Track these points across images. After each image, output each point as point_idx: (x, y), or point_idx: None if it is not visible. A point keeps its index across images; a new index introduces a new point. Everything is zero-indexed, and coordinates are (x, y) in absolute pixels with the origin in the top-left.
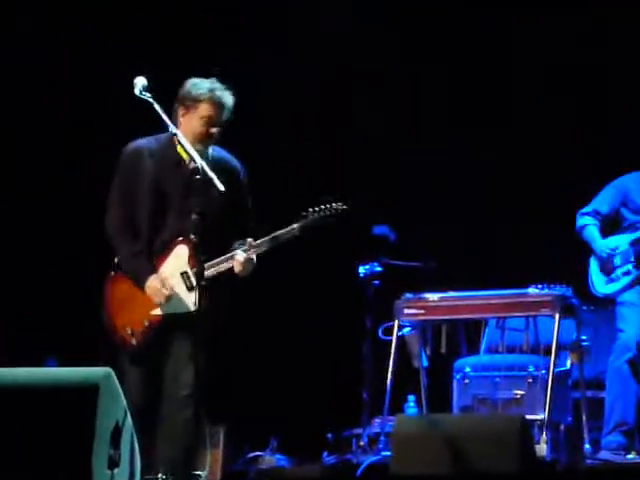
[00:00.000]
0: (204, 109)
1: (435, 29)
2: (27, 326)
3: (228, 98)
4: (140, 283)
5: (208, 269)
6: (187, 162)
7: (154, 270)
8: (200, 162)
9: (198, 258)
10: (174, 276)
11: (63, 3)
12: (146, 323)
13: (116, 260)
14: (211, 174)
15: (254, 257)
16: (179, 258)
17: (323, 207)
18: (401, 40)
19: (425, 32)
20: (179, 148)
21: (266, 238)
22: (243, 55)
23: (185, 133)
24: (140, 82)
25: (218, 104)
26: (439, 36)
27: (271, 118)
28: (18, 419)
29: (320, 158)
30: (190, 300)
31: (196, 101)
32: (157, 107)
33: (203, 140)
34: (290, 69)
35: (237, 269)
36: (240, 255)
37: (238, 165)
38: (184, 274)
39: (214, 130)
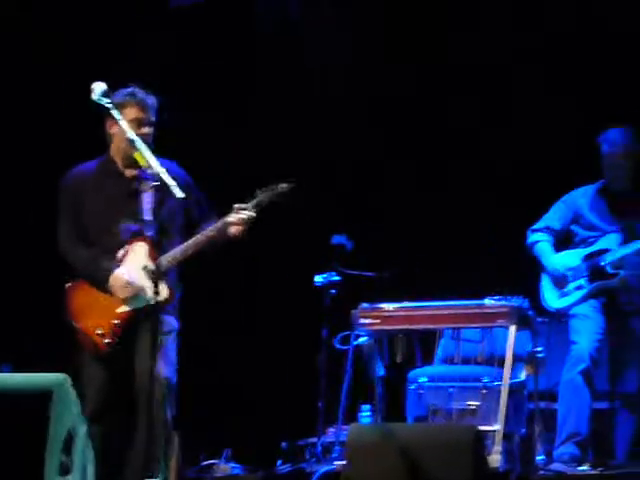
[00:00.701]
0: (130, 112)
1: None
2: None
3: (150, 98)
4: (102, 284)
5: (192, 244)
6: (124, 171)
7: (113, 270)
8: (157, 169)
9: (157, 252)
10: (136, 271)
11: None
12: (116, 321)
13: (74, 272)
14: (169, 180)
15: (250, 214)
16: (138, 255)
17: (271, 186)
18: None
19: None
20: (136, 155)
21: (254, 199)
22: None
23: (119, 144)
24: (99, 87)
25: (142, 104)
26: None
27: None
28: None
29: (277, 165)
30: (153, 292)
31: (120, 107)
32: (115, 113)
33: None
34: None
35: (234, 229)
36: (236, 215)
37: (182, 172)
38: (145, 268)
39: (145, 130)
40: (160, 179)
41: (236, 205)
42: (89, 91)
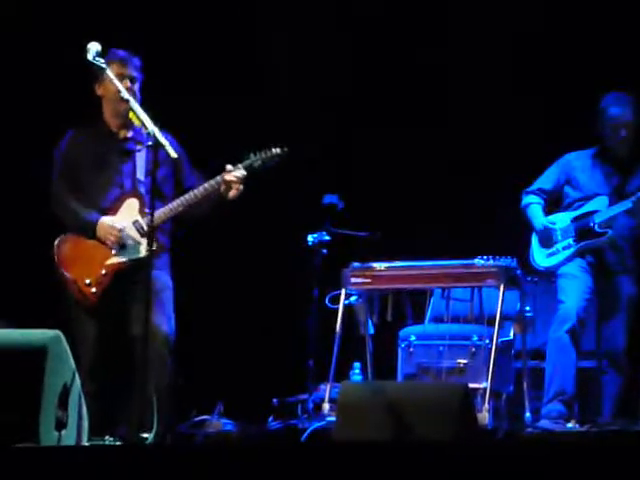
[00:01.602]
0: (113, 69)
1: None
2: None
3: (131, 56)
4: (91, 232)
5: (181, 202)
6: (117, 132)
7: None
8: (152, 128)
9: (147, 208)
10: (126, 223)
11: None
12: (103, 271)
13: (64, 223)
14: (163, 140)
15: (242, 174)
16: (130, 209)
17: (264, 150)
18: None
19: None
20: (131, 114)
21: (247, 161)
22: None
23: (112, 104)
24: (94, 47)
25: (123, 60)
26: None
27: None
28: None
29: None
30: (143, 245)
31: (95, 70)
32: (109, 73)
33: (122, 102)
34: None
35: (232, 187)
36: (229, 172)
37: (173, 141)
38: (136, 222)
39: (129, 84)
40: (155, 138)
41: (228, 166)
42: (83, 52)
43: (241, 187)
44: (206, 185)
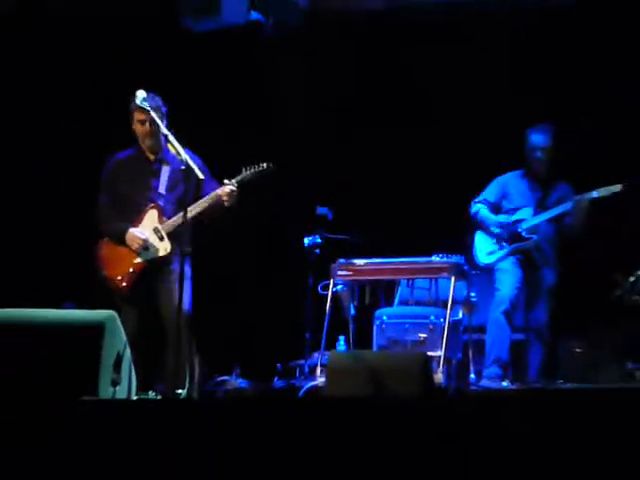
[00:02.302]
0: (136, 116)
1: None
2: (52, 278)
3: (152, 101)
4: (121, 239)
5: (193, 208)
6: (149, 156)
7: (129, 229)
8: (185, 156)
9: (165, 218)
10: (148, 231)
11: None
12: (130, 269)
13: (103, 232)
14: (193, 165)
15: (235, 188)
16: (151, 219)
17: (254, 166)
18: None
19: None
20: (169, 145)
21: (240, 175)
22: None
23: (142, 137)
24: (140, 94)
25: (142, 109)
26: None
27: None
28: (44, 349)
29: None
30: (162, 247)
31: (130, 113)
32: (153, 114)
33: (147, 137)
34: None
35: (225, 199)
36: (226, 187)
37: (198, 161)
38: (155, 229)
39: (148, 127)
40: (187, 164)
41: (225, 180)
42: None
43: (234, 197)
44: (206, 197)
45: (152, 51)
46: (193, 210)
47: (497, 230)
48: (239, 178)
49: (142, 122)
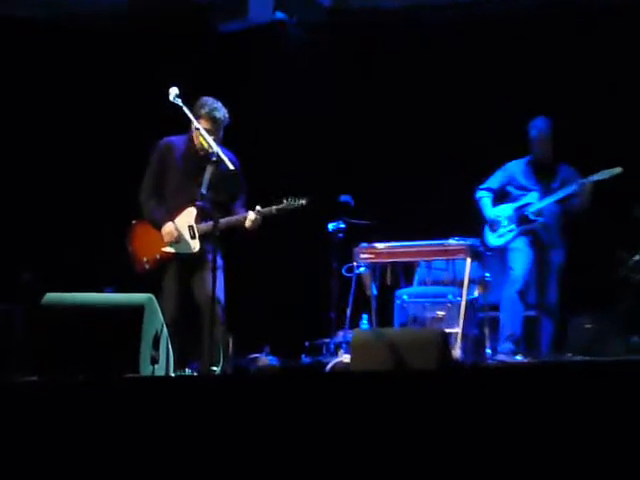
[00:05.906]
0: (203, 122)
1: None
2: (95, 264)
3: (219, 112)
4: (159, 227)
5: (222, 222)
6: (199, 150)
7: (169, 220)
8: (216, 149)
9: (202, 218)
10: (183, 227)
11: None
12: (158, 256)
13: (143, 213)
14: (224, 157)
15: (260, 218)
16: (188, 216)
17: (293, 198)
18: None
19: None
20: (200, 138)
21: (268, 209)
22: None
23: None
24: (173, 91)
25: (212, 119)
26: None
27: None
28: (91, 328)
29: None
30: (192, 245)
31: (198, 116)
32: (186, 110)
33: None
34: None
35: (248, 224)
36: (251, 214)
37: (234, 157)
38: (190, 227)
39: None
40: (218, 156)
41: (257, 207)
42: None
43: (257, 224)
44: (234, 218)
45: (185, 51)
46: (222, 224)
47: (491, 220)
48: (265, 212)
49: (208, 132)
